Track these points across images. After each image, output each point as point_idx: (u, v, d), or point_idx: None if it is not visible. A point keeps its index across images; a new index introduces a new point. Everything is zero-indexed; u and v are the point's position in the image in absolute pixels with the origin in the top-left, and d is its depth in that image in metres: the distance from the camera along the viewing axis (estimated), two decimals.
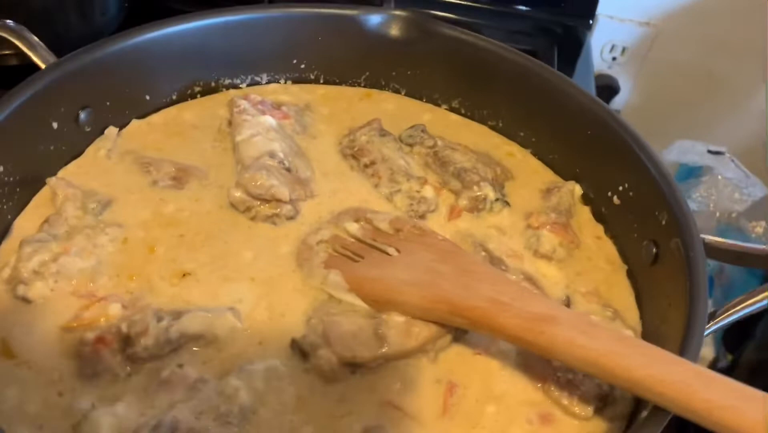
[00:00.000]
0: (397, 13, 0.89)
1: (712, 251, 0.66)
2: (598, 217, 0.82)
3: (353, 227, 0.74)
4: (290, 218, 0.76)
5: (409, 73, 0.94)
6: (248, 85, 0.92)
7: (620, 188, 0.79)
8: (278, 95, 0.92)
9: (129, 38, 0.80)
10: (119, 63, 0.79)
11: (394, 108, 0.93)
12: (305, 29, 0.90)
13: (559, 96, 0.85)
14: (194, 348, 0.63)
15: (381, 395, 0.62)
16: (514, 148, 0.90)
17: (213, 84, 0.90)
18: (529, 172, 0.87)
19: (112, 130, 0.82)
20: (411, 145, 0.86)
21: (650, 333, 0.70)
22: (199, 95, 0.90)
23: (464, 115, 0.94)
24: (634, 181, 0.76)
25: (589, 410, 0.62)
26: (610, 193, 0.80)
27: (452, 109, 0.94)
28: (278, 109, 0.88)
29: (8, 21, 0.77)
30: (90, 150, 0.80)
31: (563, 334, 0.56)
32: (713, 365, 1.35)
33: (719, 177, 1.35)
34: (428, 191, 0.80)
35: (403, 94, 0.95)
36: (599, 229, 0.82)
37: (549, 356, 0.59)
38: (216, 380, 0.60)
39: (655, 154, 0.75)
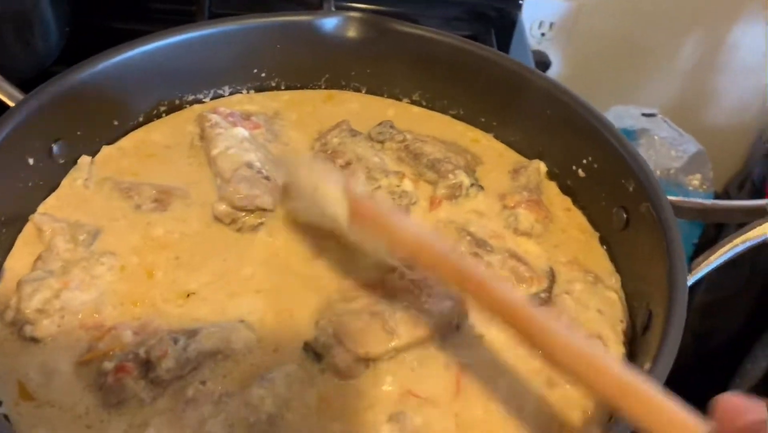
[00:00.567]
0: (352, 15, 0.91)
1: (678, 210, 0.72)
2: (565, 190, 0.88)
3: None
4: (276, 226, 0.78)
5: (368, 71, 0.96)
6: (212, 99, 0.93)
7: (584, 161, 0.84)
8: (244, 105, 0.93)
9: (94, 65, 0.79)
10: (87, 91, 0.79)
11: (358, 107, 0.96)
12: (263, 39, 0.91)
13: (515, 80, 0.89)
14: (213, 364, 0.65)
15: (398, 384, 0.66)
16: (477, 134, 0.94)
17: (177, 102, 0.91)
18: (495, 155, 0.92)
19: (85, 160, 0.81)
20: (382, 142, 0.89)
21: (631, 292, 0.75)
22: (164, 114, 0.90)
23: (426, 107, 0.97)
24: (597, 153, 0.82)
25: None
26: (574, 167, 0.85)
27: (414, 102, 0.98)
28: (248, 120, 0.89)
29: None
30: (66, 181, 0.80)
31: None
32: None
33: (655, 137, 1.43)
34: (408, 185, 0.84)
35: (364, 92, 0.98)
36: (567, 201, 0.87)
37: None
38: (240, 392, 0.62)
39: (614, 127, 0.80)
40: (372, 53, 0.94)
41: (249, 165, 0.81)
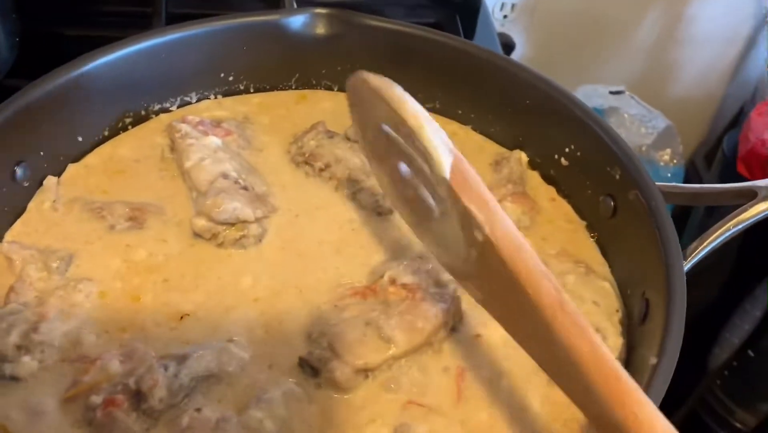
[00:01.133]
0: (320, 11, 0.89)
1: (667, 195, 0.71)
2: (548, 180, 0.86)
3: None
4: (259, 238, 0.76)
5: (339, 68, 0.94)
6: (179, 107, 0.90)
7: (566, 150, 0.83)
8: (213, 112, 0.89)
9: (52, 80, 0.75)
10: (47, 108, 0.75)
11: (332, 106, 0.93)
12: (229, 41, 0.88)
13: (491, 70, 0.88)
14: (206, 388, 0.62)
15: (399, 394, 0.64)
16: (455, 126, 0.92)
17: (143, 113, 0.87)
18: (474, 148, 0.90)
19: (51, 180, 0.77)
20: (358, 141, 0.87)
21: (623, 280, 0.75)
22: (130, 126, 0.86)
23: None
24: (580, 141, 0.81)
25: None
26: (557, 156, 0.84)
27: None
28: (218, 127, 0.85)
29: None
30: (33, 205, 0.76)
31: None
32: None
33: (625, 115, 1.44)
34: None
35: (336, 90, 0.95)
36: (551, 191, 0.86)
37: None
38: (237, 416, 0.60)
39: (597, 115, 0.79)
40: (342, 50, 0.91)
41: (225, 176, 0.78)
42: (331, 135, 0.86)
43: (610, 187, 0.77)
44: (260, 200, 0.78)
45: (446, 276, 0.71)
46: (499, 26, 1.72)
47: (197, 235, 0.74)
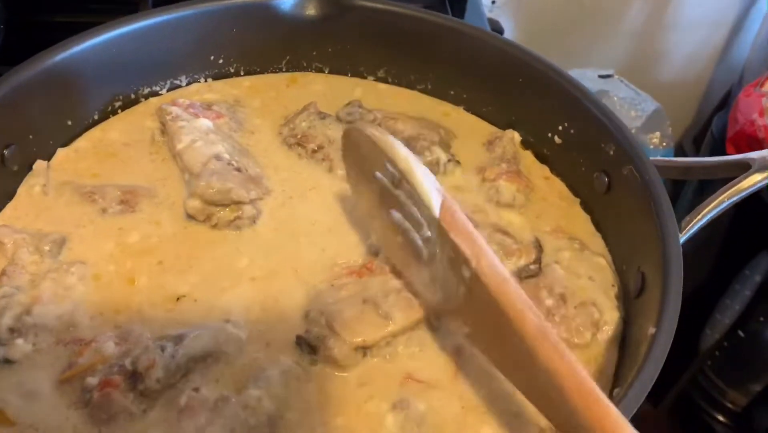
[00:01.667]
0: None
1: (661, 170, 0.72)
2: (541, 158, 0.86)
3: None
4: (253, 219, 0.75)
5: (330, 50, 0.93)
6: (168, 90, 0.89)
7: (560, 128, 0.83)
8: (203, 95, 0.89)
9: (41, 62, 0.74)
10: (36, 91, 0.74)
11: (323, 88, 0.92)
12: (218, 23, 0.87)
13: (483, 49, 0.87)
14: (203, 368, 0.62)
15: (397, 371, 0.64)
16: (447, 107, 0.92)
17: (133, 96, 0.86)
18: (467, 128, 0.90)
19: (41, 164, 0.76)
20: (352, 123, 0.86)
21: (619, 255, 0.75)
22: (120, 110, 0.85)
23: (392, 84, 0.94)
24: (574, 119, 0.81)
25: (587, 336, 0.67)
26: (550, 135, 0.84)
27: (379, 79, 0.95)
28: (209, 110, 0.85)
29: None
30: (23, 189, 0.75)
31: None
32: None
33: (615, 98, 1.44)
34: None
35: (327, 72, 0.95)
36: (545, 169, 0.86)
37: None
38: (235, 395, 0.60)
39: (590, 92, 0.79)
40: (333, 31, 0.91)
41: (218, 157, 0.77)
42: (323, 116, 0.85)
43: (604, 164, 0.77)
44: (254, 182, 0.77)
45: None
46: (487, 12, 1.71)
47: (191, 217, 0.73)
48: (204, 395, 0.59)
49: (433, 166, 0.82)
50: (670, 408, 1.63)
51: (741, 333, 1.46)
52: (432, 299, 0.65)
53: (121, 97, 0.85)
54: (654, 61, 1.76)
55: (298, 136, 0.83)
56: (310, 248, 0.73)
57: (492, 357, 0.59)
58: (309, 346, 0.64)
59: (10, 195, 0.74)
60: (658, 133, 1.46)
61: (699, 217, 0.66)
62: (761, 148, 1.28)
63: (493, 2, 1.71)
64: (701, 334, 1.54)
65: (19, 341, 0.61)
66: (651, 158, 0.71)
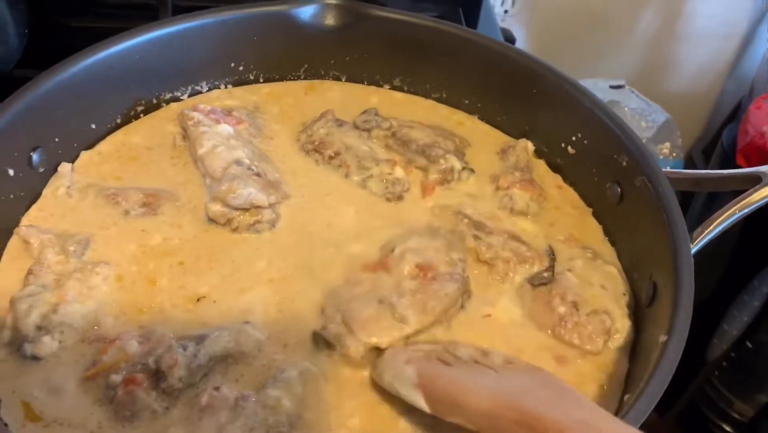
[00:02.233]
0: (330, 2, 0.90)
1: (673, 181, 0.73)
2: (554, 167, 0.88)
3: (466, 352, 0.65)
4: (272, 223, 0.77)
5: (347, 59, 0.95)
6: (189, 96, 0.91)
7: (573, 138, 0.84)
8: (223, 101, 0.91)
9: (69, 67, 0.76)
10: (63, 95, 0.76)
11: (340, 96, 0.94)
12: (240, 31, 0.89)
13: (498, 60, 0.89)
14: (224, 368, 0.63)
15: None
16: (461, 116, 0.94)
17: (155, 101, 0.88)
18: (481, 137, 0.91)
19: (65, 167, 0.78)
20: (368, 130, 0.88)
21: (630, 265, 0.76)
22: (142, 114, 0.87)
23: (407, 92, 0.96)
24: (587, 130, 0.82)
25: (599, 343, 0.68)
26: (563, 145, 0.85)
27: (395, 88, 0.96)
28: (230, 116, 0.87)
29: None
30: (48, 191, 0.77)
31: None
32: None
33: (626, 109, 1.45)
34: (399, 172, 0.83)
35: (344, 80, 0.97)
36: (557, 179, 0.87)
37: None
38: (255, 394, 0.61)
39: (603, 103, 0.80)
40: (351, 40, 0.93)
41: (238, 162, 0.79)
42: (340, 123, 0.87)
43: (616, 174, 0.78)
44: (273, 186, 0.79)
45: (456, 255, 0.73)
46: (499, 21, 1.73)
47: (212, 220, 0.75)
48: (224, 393, 0.61)
49: (448, 174, 0.83)
50: (677, 418, 1.63)
51: (749, 344, 1.47)
52: None
53: (143, 102, 0.87)
54: (665, 72, 1.77)
55: (316, 143, 0.85)
56: (327, 248, 0.75)
57: None
58: (325, 342, 0.66)
59: (36, 196, 0.76)
60: (668, 144, 1.47)
61: (710, 228, 0.67)
62: None
63: (506, 12, 1.73)
64: (709, 344, 1.54)
65: (46, 339, 0.63)
66: (663, 170, 0.73)
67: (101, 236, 0.73)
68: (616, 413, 0.59)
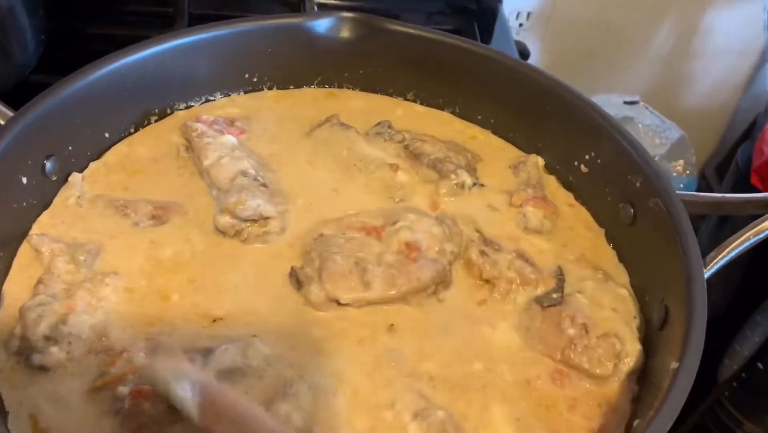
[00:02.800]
0: (346, 15, 0.90)
1: (688, 204, 0.72)
2: (567, 185, 0.87)
3: None
4: (281, 232, 0.77)
5: (361, 72, 0.95)
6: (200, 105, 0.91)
7: (587, 157, 0.83)
8: (226, 109, 0.90)
9: (84, 77, 0.76)
10: (77, 104, 0.76)
11: (363, 105, 0.94)
12: (255, 43, 0.89)
13: (512, 76, 0.89)
14: (231, 382, 0.63)
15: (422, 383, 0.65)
16: (475, 130, 0.93)
17: (168, 111, 0.88)
18: (494, 151, 0.91)
19: (76, 177, 0.78)
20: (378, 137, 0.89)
21: (642, 287, 0.75)
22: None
23: (421, 106, 0.96)
24: (601, 149, 0.81)
25: (609, 367, 0.67)
26: (576, 163, 0.85)
27: (407, 101, 0.96)
28: (233, 126, 0.87)
29: None
30: (59, 200, 0.77)
31: None
32: None
33: (639, 126, 1.45)
34: (402, 176, 0.83)
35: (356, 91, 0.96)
36: (569, 197, 0.86)
37: None
38: (264, 409, 0.60)
39: (618, 123, 0.80)
40: (365, 53, 0.93)
41: (245, 173, 0.79)
42: (345, 127, 0.87)
43: (630, 195, 0.77)
44: (280, 195, 0.79)
45: (449, 247, 0.75)
46: (514, 35, 1.72)
47: (221, 232, 0.75)
48: None
49: (459, 189, 0.83)
50: None
51: (760, 365, 1.45)
52: None
53: (157, 111, 0.87)
54: (679, 88, 1.77)
55: (321, 145, 0.86)
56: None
57: None
58: (297, 280, 0.70)
59: (47, 204, 0.76)
60: (681, 161, 1.46)
61: (724, 253, 0.66)
62: None
63: (521, 25, 1.73)
64: (719, 364, 1.53)
65: (54, 349, 0.62)
66: (678, 192, 0.72)
67: (110, 246, 0.73)
68: None
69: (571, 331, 0.70)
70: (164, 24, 1.14)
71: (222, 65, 0.89)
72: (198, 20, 1.04)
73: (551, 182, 0.88)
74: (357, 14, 0.90)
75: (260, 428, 0.57)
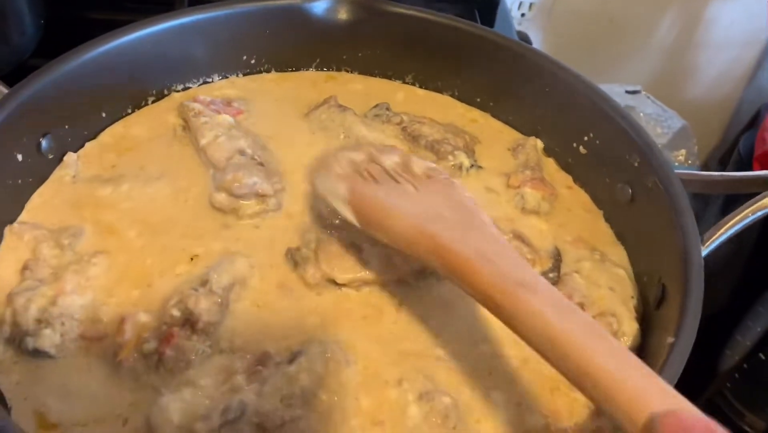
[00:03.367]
0: None
1: (685, 183, 0.72)
2: (565, 167, 0.87)
3: (390, 160, 0.69)
4: (275, 210, 0.76)
5: (359, 54, 0.95)
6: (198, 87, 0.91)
7: (585, 138, 0.83)
8: (225, 90, 0.90)
9: (81, 55, 0.76)
10: (73, 82, 0.76)
11: (363, 88, 0.94)
12: (252, 24, 0.89)
13: (510, 58, 0.88)
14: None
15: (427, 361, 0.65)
16: (476, 113, 0.93)
17: (165, 92, 0.88)
18: (494, 134, 0.91)
19: (71, 157, 0.78)
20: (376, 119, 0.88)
21: (639, 267, 0.75)
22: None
23: (419, 89, 0.96)
24: (600, 130, 0.81)
25: None
26: (575, 144, 0.84)
27: (406, 84, 0.96)
28: (230, 106, 0.87)
29: None
30: (53, 178, 0.76)
31: (535, 305, 0.53)
32: None
33: (641, 115, 1.44)
34: None
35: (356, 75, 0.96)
36: (568, 179, 0.86)
37: (509, 324, 0.55)
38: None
39: (617, 103, 0.79)
40: (363, 36, 0.92)
41: (241, 152, 0.79)
42: (343, 109, 0.87)
43: (628, 175, 0.77)
44: (277, 175, 0.79)
45: None
46: (516, 24, 1.71)
47: (217, 209, 0.75)
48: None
49: (456, 170, 0.83)
50: None
51: (762, 356, 1.44)
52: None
53: (154, 92, 0.87)
54: (682, 78, 1.76)
55: (318, 126, 0.86)
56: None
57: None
58: (293, 261, 0.70)
59: (42, 182, 0.76)
60: (683, 151, 1.45)
61: (722, 231, 0.66)
62: None
63: (523, 15, 1.72)
64: (721, 355, 1.52)
65: (47, 331, 0.61)
66: (676, 171, 0.71)
67: (99, 225, 0.72)
68: None
69: None
70: (163, 10, 1.14)
71: (220, 46, 0.89)
72: (197, 3, 1.03)
73: (550, 164, 0.87)
74: None
75: (396, 213, 0.62)
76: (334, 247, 0.71)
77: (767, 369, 1.45)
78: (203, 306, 0.63)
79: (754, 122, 1.77)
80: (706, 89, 1.78)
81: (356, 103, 0.89)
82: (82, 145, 0.80)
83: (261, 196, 0.75)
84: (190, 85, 0.90)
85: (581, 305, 0.69)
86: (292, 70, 0.95)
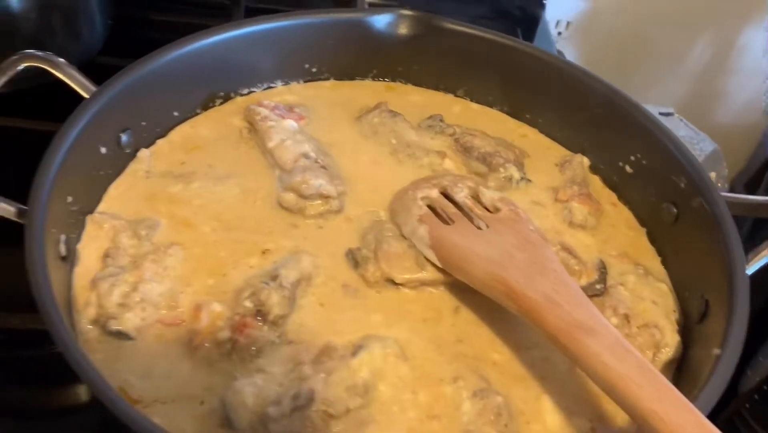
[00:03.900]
0: (405, 12, 0.93)
1: (730, 205, 0.75)
2: (610, 185, 0.90)
3: (462, 193, 0.80)
4: (337, 212, 0.81)
5: (415, 67, 0.99)
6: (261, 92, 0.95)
7: (632, 158, 0.87)
8: (284, 96, 0.95)
9: (158, 57, 0.81)
10: (151, 82, 0.80)
11: (422, 100, 0.98)
12: (318, 34, 0.93)
13: (560, 77, 0.92)
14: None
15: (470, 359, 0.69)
16: (526, 129, 0.97)
17: (232, 95, 0.92)
18: (542, 149, 0.94)
19: (144, 153, 0.82)
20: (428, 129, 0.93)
21: (681, 283, 0.78)
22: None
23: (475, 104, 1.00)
24: (647, 151, 0.85)
25: (649, 356, 0.71)
26: (621, 163, 0.88)
27: (457, 98, 1.00)
28: (292, 111, 0.91)
29: (41, 53, 0.76)
30: (127, 172, 0.81)
31: (593, 347, 0.60)
32: None
33: None
34: (448, 164, 0.88)
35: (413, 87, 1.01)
36: (613, 196, 0.90)
37: (574, 362, 0.62)
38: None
39: (664, 126, 0.83)
40: (420, 50, 0.96)
41: (306, 156, 0.83)
42: (393, 114, 0.92)
43: (673, 195, 0.81)
44: (338, 178, 0.83)
45: None
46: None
47: (285, 208, 0.79)
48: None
49: (506, 182, 0.86)
50: None
51: None
52: None
53: (222, 95, 0.91)
54: (712, 103, 1.79)
55: (370, 130, 0.90)
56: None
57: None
58: (354, 260, 0.75)
59: (119, 174, 0.80)
60: (713, 174, 1.49)
61: (763, 253, 0.69)
62: None
63: (560, 33, 1.76)
64: (741, 376, 1.54)
65: (128, 315, 0.66)
66: (721, 194, 0.75)
67: (175, 218, 0.77)
68: None
69: (614, 320, 0.73)
70: (222, 15, 1.19)
71: (285, 54, 0.93)
72: (253, 13, 1.08)
73: (595, 182, 0.91)
74: (416, 12, 0.94)
75: (473, 258, 0.71)
76: (393, 248, 0.75)
77: None
78: (274, 299, 0.68)
79: None
80: (735, 114, 1.81)
81: (412, 113, 0.93)
82: (153, 142, 0.85)
83: (325, 198, 0.79)
84: (254, 90, 0.94)
85: (626, 316, 0.73)
86: (347, 79, 1.00)
